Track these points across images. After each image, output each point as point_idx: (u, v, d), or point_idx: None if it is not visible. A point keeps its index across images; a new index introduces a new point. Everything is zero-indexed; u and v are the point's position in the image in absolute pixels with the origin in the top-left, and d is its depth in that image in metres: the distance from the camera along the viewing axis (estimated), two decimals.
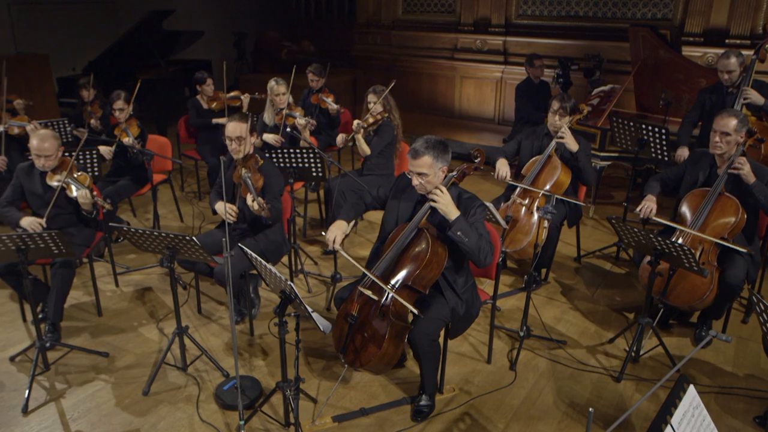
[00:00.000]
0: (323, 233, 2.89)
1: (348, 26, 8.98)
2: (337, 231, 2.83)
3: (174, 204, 5.21)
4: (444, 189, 2.64)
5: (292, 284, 2.29)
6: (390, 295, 2.62)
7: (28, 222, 3.33)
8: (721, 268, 3.27)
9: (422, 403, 2.88)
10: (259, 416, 2.83)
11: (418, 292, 2.67)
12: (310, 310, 2.40)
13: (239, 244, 2.61)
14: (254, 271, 3.78)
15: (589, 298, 4.02)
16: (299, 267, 4.14)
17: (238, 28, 9.41)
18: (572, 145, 3.77)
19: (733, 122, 3.19)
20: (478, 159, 2.78)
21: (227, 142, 3.29)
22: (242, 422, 2.59)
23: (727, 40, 5.83)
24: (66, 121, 4.75)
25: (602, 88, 5.51)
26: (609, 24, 6.56)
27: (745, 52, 4.50)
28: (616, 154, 5.15)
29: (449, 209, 2.60)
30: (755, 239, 3.42)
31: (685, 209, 3.43)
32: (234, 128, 3.23)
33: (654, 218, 3.43)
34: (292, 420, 2.68)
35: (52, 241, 2.84)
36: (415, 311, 2.55)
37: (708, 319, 3.49)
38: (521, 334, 3.39)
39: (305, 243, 4.75)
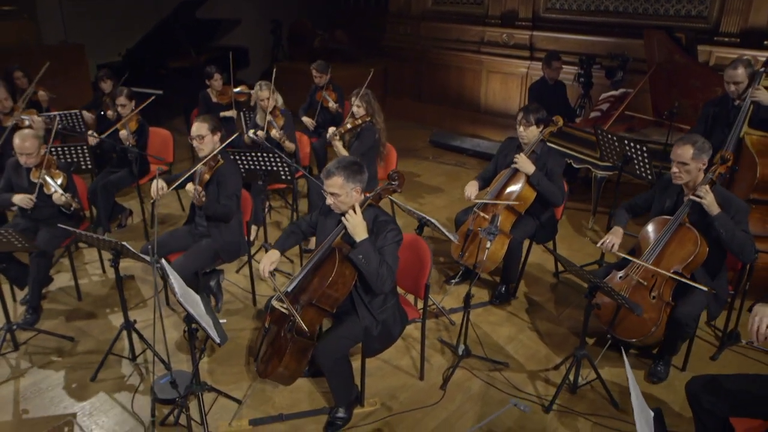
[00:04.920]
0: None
1: (381, 16, 8.92)
2: (266, 262, 2.85)
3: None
4: (358, 210, 2.66)
5: (182, 301, 2.40)
6: (297, 311, 2.68)
7: (20, 198, 3.64)
8: (675, 304, 3.08)
9: (338, 415, 2.94)
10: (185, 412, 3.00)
11: (326, 311, 2.72)
12: (208, 325, 2.51)
13: (163, 260, 2.73)
14: (220, 267, 3.98)
15: (554, 318, 3.89)
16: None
17: (275, 15, 9.58)
18: (527, 168, 3.64)
19: (689, 151, 2.95)
20: (396, 182, 2.76)
21: (191, 140, 3.52)
22: (152, 418, 2.78)
23: (766, 42, 5.33)
24: (78, 113, 5.09)
25: (612, 92, 5.20)
26: (640, 21, 6.14)
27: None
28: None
29: (357, 230, 2.62)
30: (720, 275, 3.17)
31: (645, 233, 3.24)
32: (196, 128, 3.46)
33: (616, 252, 3.26)
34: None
35: (13, 237, 3.12)
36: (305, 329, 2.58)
37: (665, 354, 3.30)
38: (459, 353, 3.36)
39: None
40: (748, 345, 2.25)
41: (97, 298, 4.07)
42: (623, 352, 2.19)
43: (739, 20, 5.45)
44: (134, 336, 3.39)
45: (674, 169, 3.04)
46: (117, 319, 3.82)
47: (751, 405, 2.33)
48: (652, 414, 1.99)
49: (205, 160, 3.43)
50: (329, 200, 2.70)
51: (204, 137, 3.47)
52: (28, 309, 3.73)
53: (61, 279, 4.24)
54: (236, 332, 3.70)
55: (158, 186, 3.34)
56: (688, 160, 2.97)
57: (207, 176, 3.43)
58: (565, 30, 6.73)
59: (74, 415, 3.00)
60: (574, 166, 5.16)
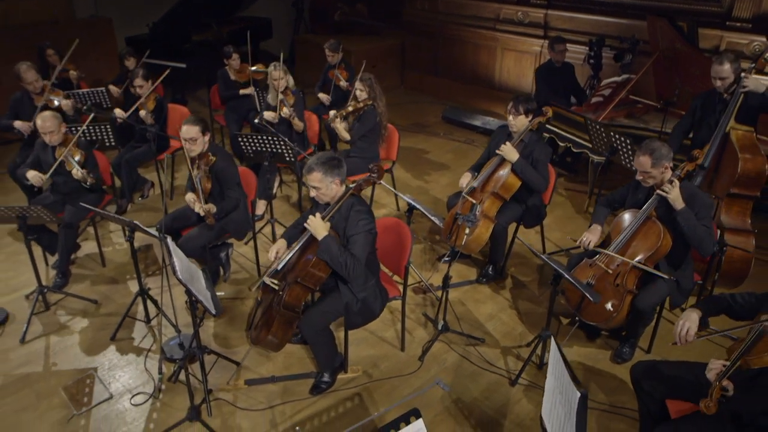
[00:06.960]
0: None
1: None
2: (274, 250, 3.17)
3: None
4: (318, 215, 2.93)
5: (181, 278, 2.74)
6: (285, 287, 3.02)
7: (32, 175, 4.03)
8: (638, 292, 3.29)
9: (323, 379, 3.30)
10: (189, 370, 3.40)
11: (310, 288, 3.04)
12: (206, 298, 2.86)
13: (169, 239, 3.05)
14: (230, 240, 4.34)
15: (535, 298, 4.14)
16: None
17: None
18: (510, 157, 3.83)
19: (648, 161, 3.12)
20: (375, 174, 3.03)
21: (182, 141, 3.69)
22: (160, 375, 3.19)
23: None
24: (104, 90, 5.44)
25: (615, 78, 5.27)
26: (654, 2, 6.10)
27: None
28: None
29: (318, 231, 2.90)
30: (685, 266, 3.36)
31: (616, 224, 3.43)
32: (186, 131, 3.61)
33: (593, 249, 3.46)
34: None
35: (42, 212, 3.52)
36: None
37: (630, 337, 3.54)
38: (438, 328, 3.66)
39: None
40: (672, 345, 2.48)
41: (119, 264, 4.50)
42: (553, 338, 2.44)
43: (752, 5, 5.39)
44: (149, 301, 3.80)
45: (639, 177, 3.22)
46: (136, 285, 4.23)
47: (683, 389, 2.58)
48: (579, 395, 2.24)
49: (199, 161, 3.71)
50: (312, 192, 2.98)
51: (196, 139, 3.64)
52: (58, 273, 4.18)
53: (88, 246, 4.68)
54: (240, 301, 4.09)
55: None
56: (649, 169, 3.14)
57: (209, 185, 3.71)
58: (579, 9, 6.72)
59: (95, 369, 3.45)
60: (573, 150, 5.30)
